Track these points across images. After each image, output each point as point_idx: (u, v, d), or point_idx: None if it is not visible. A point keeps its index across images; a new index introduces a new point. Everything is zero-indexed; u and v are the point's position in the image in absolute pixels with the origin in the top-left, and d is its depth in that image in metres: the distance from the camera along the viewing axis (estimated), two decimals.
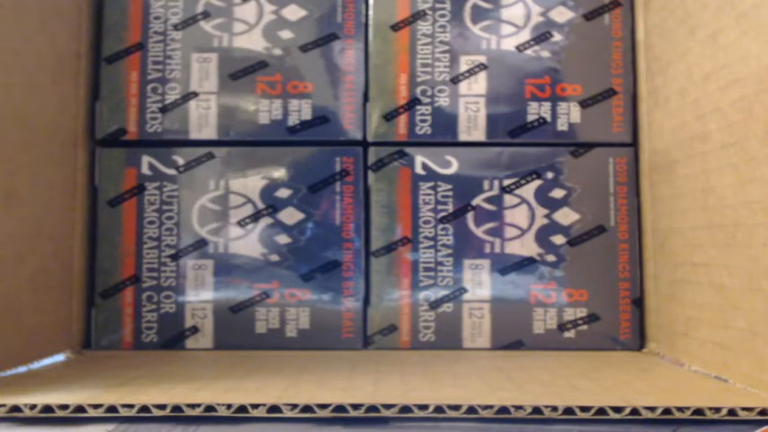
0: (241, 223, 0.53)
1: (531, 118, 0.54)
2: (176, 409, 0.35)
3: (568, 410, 0.35)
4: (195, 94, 0.54)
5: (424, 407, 0.35)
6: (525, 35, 0.54)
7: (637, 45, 0.54)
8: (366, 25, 0.55)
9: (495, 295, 0.53)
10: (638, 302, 0.53)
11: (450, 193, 0.53)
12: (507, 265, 0.53)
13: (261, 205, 0.53)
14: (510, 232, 0.53)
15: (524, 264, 0.53)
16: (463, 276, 0.53)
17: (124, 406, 0.35)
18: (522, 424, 0.35)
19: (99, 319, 0.53)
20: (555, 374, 0.43)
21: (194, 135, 0.54)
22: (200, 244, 0.53)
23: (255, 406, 0.35)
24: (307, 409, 0.35)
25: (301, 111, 0.54)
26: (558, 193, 0.53)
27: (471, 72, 0.54)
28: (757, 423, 0.34)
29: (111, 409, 0.35)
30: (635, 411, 0.35)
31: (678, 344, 0.47)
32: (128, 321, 0.53)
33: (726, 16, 0.41)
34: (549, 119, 0.54)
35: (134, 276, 0.53)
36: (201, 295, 0.53)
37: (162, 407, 0.35)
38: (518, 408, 0.35)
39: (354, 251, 0.53)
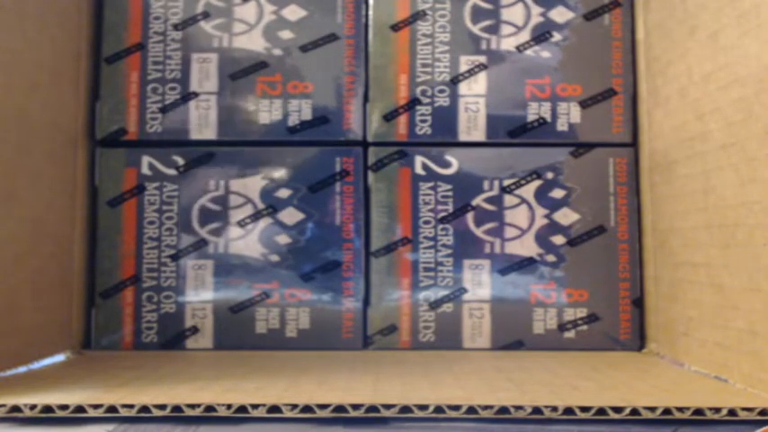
0: (241, 223, 0.53)
1: (531, 118, 0.54)
2: (176, 409, 0.35)
3: (568, 410, 0.35)
4: (195, 95, 0.54)
5: (424, 407, 0.35)
6: (525, 35, 0.54)
7: (637, 45, 0.54)
8: (366, 25, 0.55)
9: (495, 295, 0.53)
10: (638, 302, 0.53)
11: (450, 194, 0.53)
12: (507, 266, 0.53)
13: (261, 205, 0.53)
14: (510, 232, 0.53)
15: (524, 264, 0.53)
16: (463, 276, 0.53)
17: (124, 406, 0.35)
18: (522, 424, 0.35)
19: (99, 319, 0.53)
20: (555, 374, 0.43)
21: (194, 135, 0.54)
22: (201, 244, 0.53)
23: (255, 406, 0.35)
24: (307, 409, 0.35)
25: (301, 111, 0.54)
26: (558, 193, 0.53)
27: (471, 72, 0.54)
28: (757, 423, 0.34)
29: (111, 409, 0.35)
30: (635, 411, 0.35)
31: (678, 344, 0.47)
32: (128, 321, 0.53)
33: (726, 16, 0.41)
34: (549, 119, 0.54)
35: (134, 276, 0.53)
36: (201, 295, 0.53)
37: (162, 407, 0.35)
38: (518, 408, 0.35)
39: (354, 251, 0.53)
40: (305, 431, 0.34)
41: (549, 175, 0.53)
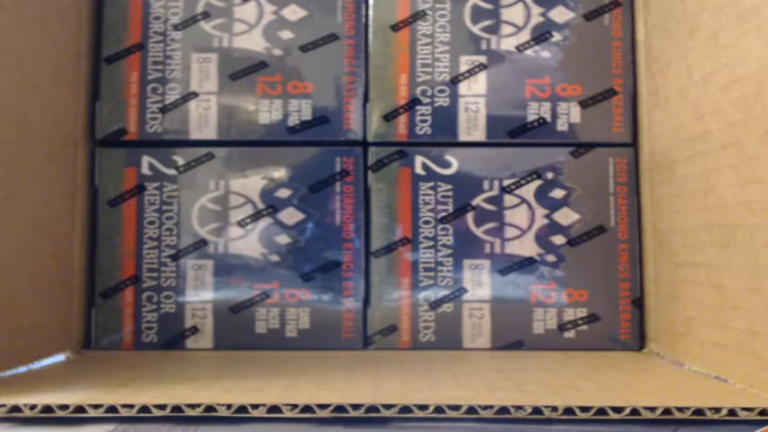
0: (241, 223, 0.53)
1: (531, 118, 0.54)
2: (176, 409, 0.35)
3: (568, 410, 0.35)
4: (195, 95, 0.54)
5: (424, 407, 0.35)
6: (525, 35, 0.54)
7: (637, 45, 0.54)
8: (366, 25, 0.55)
9: (495, 295, 0.53)
10: (638, 303, 0.53)
11: (450, 194, 0.53)
12: (507, 266, 0.53)
13: (261, 205, 0.53)
14: (510, 232, 0.53)
15: (524, 264, 0.53)
16: (463, 276, 0.53)
17: (124, 406, 0.35)
18: (522, 424, 0.35)
19: (99, 319, 0.53)
20: (555, 374, 0.43)
21: (194, 135, 0.54)
22: (200, 244, 0.53)
23: (255, 406, 0.35)
24: (307, 409, 0.35)
25: (301, 111, 0.54)
26: (558, 193, 0.53)
27: (471, 72, 0.54)
28: (757, 423, 0.34)
29: (111, 409, 0.35)
30: (635, 411, 0.35)
31: (678, 344, 0.47)
32: (128, 321, 0.53)
33: (726, 16, 0.41)
34: (549, 119, 0.54)
35: (134, 276, 0.53)
36: (201, 295, 0.53)
37: (162, 407, 0.35)
38: (518, 408, 0.35)
39: (354, 251, 0.53)
40: (305, 431, 0.34)
41: (549, 175, 0.53)
